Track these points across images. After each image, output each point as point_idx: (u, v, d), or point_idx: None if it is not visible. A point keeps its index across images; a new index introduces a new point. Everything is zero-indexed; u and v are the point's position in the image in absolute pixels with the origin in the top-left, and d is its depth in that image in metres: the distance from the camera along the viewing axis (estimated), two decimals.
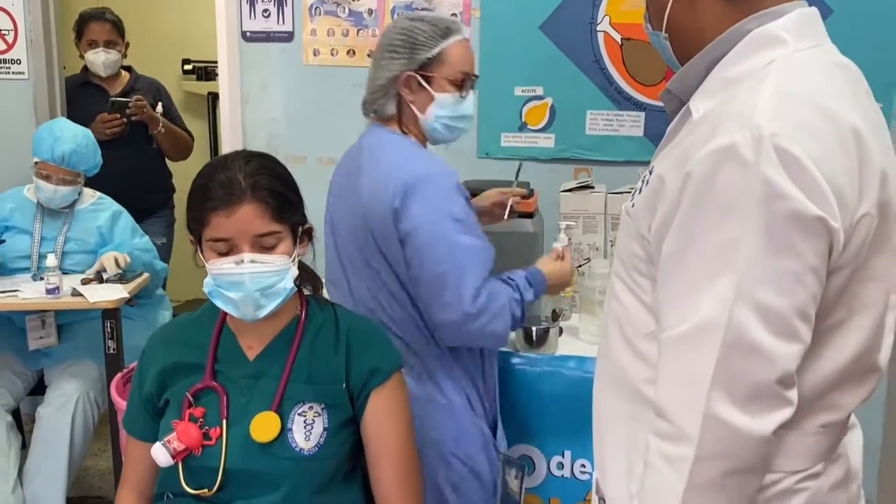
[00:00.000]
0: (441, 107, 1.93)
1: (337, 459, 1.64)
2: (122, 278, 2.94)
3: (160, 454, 1.61)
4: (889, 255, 1.10)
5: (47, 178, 2.99)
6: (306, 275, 1.74)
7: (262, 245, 1.58)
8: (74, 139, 2.99)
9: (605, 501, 1.26)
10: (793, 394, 1.02)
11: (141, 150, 3.75)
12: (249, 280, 1.57)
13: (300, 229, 1.65)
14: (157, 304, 3.31)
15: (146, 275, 3.06)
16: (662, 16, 1.20)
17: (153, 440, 1.65)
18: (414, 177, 1.84)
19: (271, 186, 1.57)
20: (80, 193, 3.13)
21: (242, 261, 1.56)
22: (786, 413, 1.02)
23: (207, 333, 1.70)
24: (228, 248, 1.57)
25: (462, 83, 1.94)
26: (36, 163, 3.01)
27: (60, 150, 2.95)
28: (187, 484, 1.62)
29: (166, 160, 3.91)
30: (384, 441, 1.66)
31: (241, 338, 1.70)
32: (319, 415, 1.63)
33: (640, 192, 1.16)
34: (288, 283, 1.61)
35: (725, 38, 1.13)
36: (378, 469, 1.67)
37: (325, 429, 1.62)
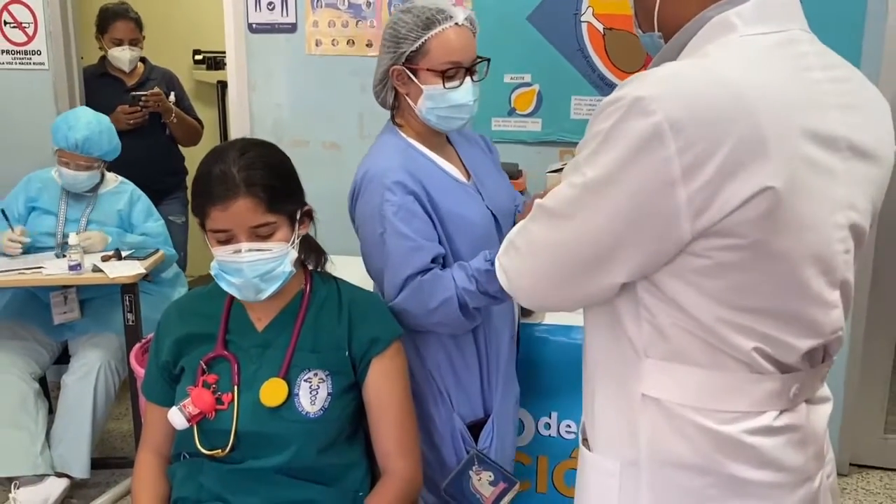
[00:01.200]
0: (429, 98, 1.81)
1: (340, 422, 1.66)
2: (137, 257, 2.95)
3: (176, 418, 1.63)
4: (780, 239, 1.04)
5: (66, 164, 2.99)
6: (311, 250, 1.74)
7: (259, 234, 1.57)
8: (88, 127, 2.97)
9: (587, 443, 1.24)
10: None
11: (156, 137, 3.76)
12: (248, 268, 1.57)
13: (299, 213, 1.65)
14: (174, 281, 3.32)
15: (161, 252, 3.06)
16: (652, 17, 1.19)
17: (170, 405, 1.67)
18: (361, 176, 1.82)
19: (264, 180, 1.56)
20: (103, 177, 3.13)
21: (241, 250, 1.56)
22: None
23: (219, 306, 1.71)
24: (228, 238, 1.57)
25: (450, 73, 1.79)
26: (55, 151, 3.01)
27: (74, 137, 2.94)
28: (202, 445, 1.63)
29: (178, 146, 3.92)
30: (384, 404, 1.68)
31: (251, 310, 1.71)
32: (324, 381, 1.64)
33: None
34: (286, 267, 1.61)
35: (690, 25, 1.13)
36: (378, 429, 1.69)
37: (329, 393, 1.64)
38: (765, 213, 1.00)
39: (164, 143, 3.83)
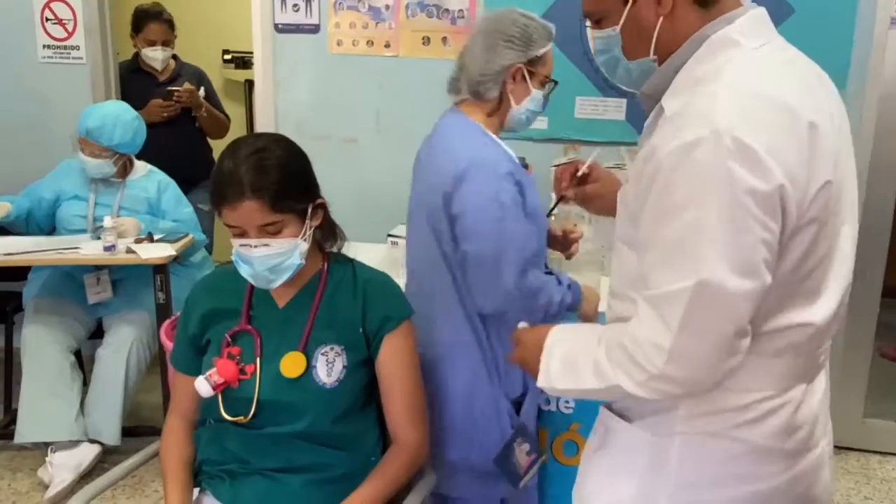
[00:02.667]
0: (532, 101, 1.86)
1: (354, 393, 1.67)
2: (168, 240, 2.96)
3: (202, 386, 1.64)
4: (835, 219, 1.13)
5: (82, 150, 2.99)
6: (329, 233, 1.73)
7: (267, 231, 1.56)
8: (102, 118, 2.95)
9: (621, 414, 1.26)
10: (745, 342, 1.08)
11: (186, 129, 3.76)
12: (257, 261, 1.57)
13: (310, 208, 1.62)
14: (201, 264, 3.32)
15: (191, 236, 3.07)
16: (650, 41, 1.17)
17: (197, 374, 1.67)
18: (467, 162, 1.75)
19: (270, 183, 1.53)
20: (131, 165, 3.12)
21: (250, 245, 1.56)
22: (733, 362, 1.07)
23: (243, 284, 1.71)
24: (240, 232, 1.57)
25: (547, 84, 1.89)
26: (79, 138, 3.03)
27: (86, 125, 2.94)
28: (226, 412, 1.65)
29: (207, 138, 3.92)
30: (395, 378, 1.69)
31: (272, 289, 1.70)
32: (340, 355, 1.65)
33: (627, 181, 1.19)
34: (296, 260, 1.60)
35: (689, 43, 1.14)
36: (390, 401, 1.70)
37: (344, 366, 1.65)
38: (824, 204, 1.09)
39: (194, 135, 3.83)
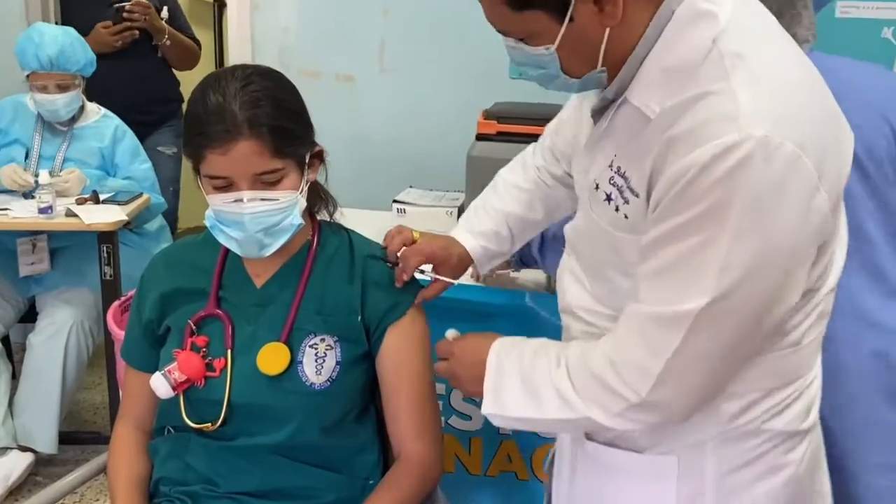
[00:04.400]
0: None
1: (349, 396, 1.67)
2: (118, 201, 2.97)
3: (160, 385, 1.63)
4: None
5: (43, 88, 3.00)
6: (320, 197, 1.73)
7: (263, 182, 1.54)
8: (56, 40, 2.97)
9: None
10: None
11: (146, 60, 3.75)
12: (250, 221, 1.55)
13: (308, 155, 1.62)
14: (158, 235, 3.33)
15: (146, 196, 3.07)
16: (597, 58, 1.21)
17: (153, 370, 1.67)
18: None
19: (272, 120, 1.52)
20: (82, 108, 3.13)
21: (242, 199, 1.54)
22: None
23: (212, 257, 1.71)
24: (227, 185, 1.54)
25: None
26: (27, 76, 3.02)
27: (46, 54, 2.94)
28: (189, 417, 1.65)
29: (172, 70, 3.91)
30: (401, 378, 1.69)
31: (248, 263, 1.71)
32: (332, 348, 1.65)
33: (608, 200, 1.25)
34: (295, 219, 1.59)
35: (652, 28, 1.17)
36: (393, 407, 1.70)
37: (337, 363, 1.65)
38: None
39: (156, 67, 3.81)
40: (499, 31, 1.25)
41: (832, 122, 1.17)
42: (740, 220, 1.06)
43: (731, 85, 1.09)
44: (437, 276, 1.70)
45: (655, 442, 1.30)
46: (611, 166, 1.25)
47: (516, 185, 1.72)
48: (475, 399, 1.54)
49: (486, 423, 2.29)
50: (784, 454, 1.29)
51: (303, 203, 1.61)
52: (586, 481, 1.42)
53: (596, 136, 1.30)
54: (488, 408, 1.35)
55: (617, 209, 1.23)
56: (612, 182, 1.24)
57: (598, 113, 1.30)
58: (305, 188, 1.62)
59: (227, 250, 1.70)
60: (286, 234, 1.61)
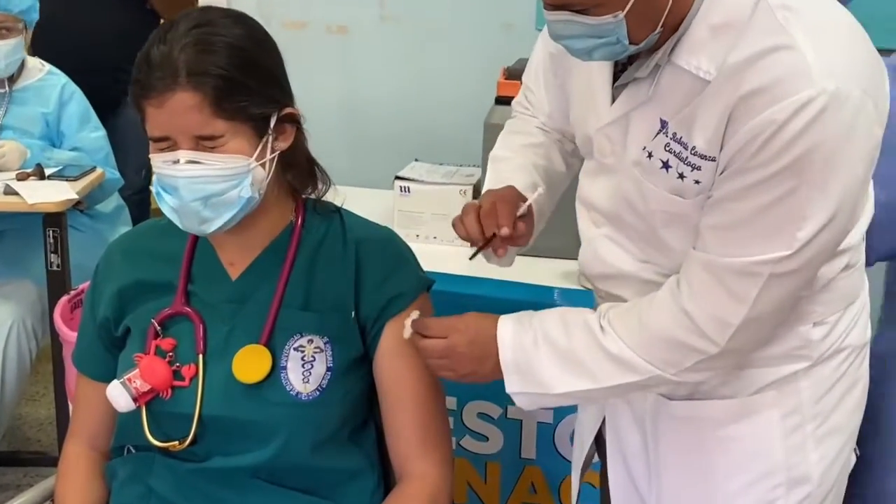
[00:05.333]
0: None
1: (343, 408, 1.67)
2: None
3: (118, 395, 1.63)
4: None
5: None
6: (306, 171, 1.72)
7: (206, 146, 1.54)
8: None
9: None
10: None
11: (129, 11, 3.75)
12: (185, 187, 1.54)
13: (273, 118, 1.60)
14: (114, 217, 3.34)
15: (100, 170, 3.07)
16: (660, 17, 1.34)
17: (110, 379, 1.67)
18: None
19: (218, 69, 1.51)
20: (22, 66, 3.11)
21: (178, 160, 1.53)
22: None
23: (179, 245, 1.71)
24: (167, 145, 1.55)
25: None
26: None
27: None
28: (153, 434, 1.65)
29: (160, 19, 3.89)
30: (403, 385, 1.69)
31: (221, 251, 1.71)
32: (321, 350, 1.65)
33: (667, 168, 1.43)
34: (245, 192, 1.57)
35: None
36: (394, 420, 1.70)
37: (328, 368, 1.65)
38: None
39: (144, 20, 3.77)
40: (555, 7, 1.35)
41: (878, 60, 1.36)
42: (819, 172, 1.27)
43: (794, 39, 1.27)
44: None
45: (746, 385, 1.55)
46: (665, 133, 1.41)
47: (523, 145, 1.82)
48: (477, 384, 1.66)
49: (506, 445, 2.34)
50: (859, 367, 1.62)
51: (259, 173, 1.59)
52: (678, 443, 1.62)
53: (626, 105, 1.47)
54: (516, 386, 1.54)
55: (681, 176, 1.41)
56: (667, 149, 1.41)
57: (622, 83, 1.47)
58: (269, 157, 1.60)
59: (197, 236, 1.70)
60: (232, 208, 1.58)
